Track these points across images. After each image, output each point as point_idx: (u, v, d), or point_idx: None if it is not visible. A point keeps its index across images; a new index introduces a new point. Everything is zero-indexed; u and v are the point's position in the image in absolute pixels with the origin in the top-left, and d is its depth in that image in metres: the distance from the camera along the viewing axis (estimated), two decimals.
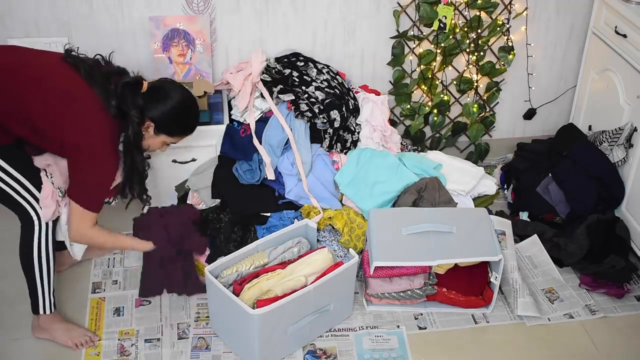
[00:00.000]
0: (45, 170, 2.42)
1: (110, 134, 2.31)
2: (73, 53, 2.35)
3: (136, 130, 2.35)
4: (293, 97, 2.89)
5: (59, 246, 2.81)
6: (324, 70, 3.02)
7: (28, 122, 2.26)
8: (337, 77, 3.04)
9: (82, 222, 2.38)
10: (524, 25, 3.30)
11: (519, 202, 3.19)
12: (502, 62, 3.32)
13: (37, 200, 2.37)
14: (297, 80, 2.94)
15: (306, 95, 2.88)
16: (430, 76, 3.31)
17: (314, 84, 2.93)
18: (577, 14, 3.35)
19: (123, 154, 2.40)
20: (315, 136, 2.98)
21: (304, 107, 2.86)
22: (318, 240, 2.83)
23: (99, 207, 2.41)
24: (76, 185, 2.34)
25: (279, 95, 2.88)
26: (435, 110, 3.37)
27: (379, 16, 3.20)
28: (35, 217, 2.39)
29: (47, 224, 2.41)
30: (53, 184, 2.41)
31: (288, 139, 2.89)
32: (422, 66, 3.27)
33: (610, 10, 3.05)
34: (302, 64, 3.03)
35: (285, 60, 3.07)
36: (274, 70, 3.00)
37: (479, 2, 3.15)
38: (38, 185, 2.38)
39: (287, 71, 2.99)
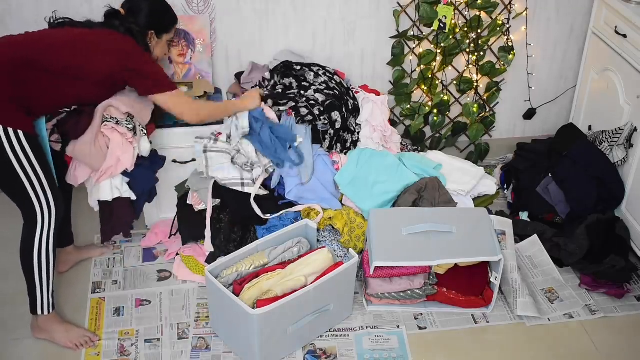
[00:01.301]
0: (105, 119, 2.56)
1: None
2: (60, 20, 2.59)
3: (143, 43, 2.58)
4: (293, 104, 2.89)
5: (62, 243, 2.82)
6: (320, 72, 3.01)
7: (72, 77, 2.40)
8: (335, 77, 3.04)
9: (184, 102, 2.59)
10: (524, 25, 3.30)
11: (519, 202, 3.19)
12: (502, 62, 3.32)
13: (47, 198, 2.37)
14: (295, 89, 2.94)
15: (304, 99, 2.88)
16: (430, 76, 3.31)
17: (312, 87, 2.93)
18: (577, 14, 3.35)
19: None
20: (315, 137, 2.99)
21: (304, 110, 2.85)
22: (318, 240, 2.83)
23: (174, 84, 2.60)
24: (148, 81, 2.51)
25: (279, 109, 2.88)
26: (435, 110, 3.38)
27: (379, 16, 3.21)
28: (39, 216, 2.39)
29: (50, 223, 2.41)
30: (118, 122, 2.56)
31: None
32: (422, 66, 3.27)
33: (610, 10, 3.05)
34: (299, 67, 3.03)
35: (282, 67, 3.05)
36: (269, 86, 2.99)
37: (479, 2, 3.15)
38: (52, 184, 2.39)
39: (287, 81, 2.98)
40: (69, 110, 2.59)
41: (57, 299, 2.65)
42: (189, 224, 2.91)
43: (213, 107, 2.75)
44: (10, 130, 2.27)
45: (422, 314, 2.75)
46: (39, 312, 2.51)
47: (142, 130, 2.65)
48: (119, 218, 2.73)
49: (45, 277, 2.46)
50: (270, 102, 2.90)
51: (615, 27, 2.99)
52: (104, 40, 2.48)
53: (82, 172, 2.65)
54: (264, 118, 2.81)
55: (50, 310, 2.52)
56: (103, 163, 2.58)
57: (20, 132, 2.28)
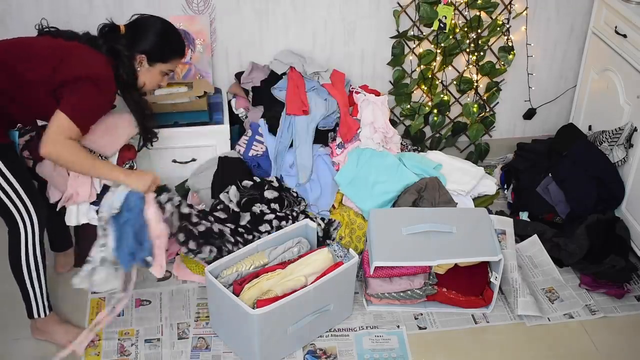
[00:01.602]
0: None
1: (107, 70, 2.32)
2: (46, 29, 2.43)
3: (128, 66, 2.37)
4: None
5: (62, 247, 2.80)
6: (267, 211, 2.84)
7: (25, 85, 2.24)
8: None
9: (62, 132, 2.21)
10: (524, 25, 3.30)
11: (519, 202, 3.19)
12: (502, 62, 3.32)
13: (25, 205, 2.32)
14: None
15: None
16: (430, 76, 3.31)
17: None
18: (577, 14, 3.35)
19: (122, 95, 2.43)
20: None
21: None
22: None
23: (86, 129, 2.29)
24: (70, 103, 2.23)
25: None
26: (435, 110, 3.38)
27: (379, 16, 3.21)
28: (21, 223, 2.34)
29: (33, 229, 2.36)
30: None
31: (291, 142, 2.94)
32: (422, 66, 3.27)
33: (610, 10, 3.05)
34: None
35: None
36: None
37: (479, 2, 3.15)
38: (30, 190, 2.35)
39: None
40: (35, 130, 2.47)
41: (56, 299, 2.65)
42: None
43: (84, 157, 2.28)
44: None
45: (422, 314, 2.75)
46: (35, 315, 2.51)
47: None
48: (89, 242, 2.46)
49: (37, 282, 2.44)
50: (165, 197, 2.49)
51: (615, 27, 2.99)
52: (81, 54, 2.31)
53: (53, 191, 2.56)
54: (139, 210, 2.37)
55: (47, 313, 2.52)
56: (66, 188, 2.48)
57: None
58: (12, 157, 2.34)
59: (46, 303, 2.50)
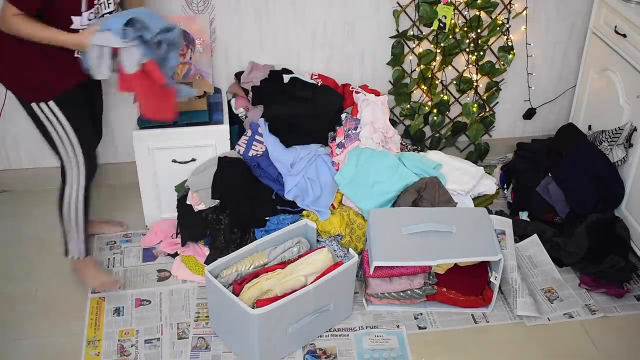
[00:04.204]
0: None
1: None
2: None
3: None
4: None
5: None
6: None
7: None
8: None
9: (7, 12, 2.23)
10: (523, 25, 3.30)
11: (519, 201, 3.19)
12: (502, 62, 3.32)
13: (75, 155, 2.49)
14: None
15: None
16: (430, 76, 3.31)
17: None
18: (577, 13, 3.35)
19: None
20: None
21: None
22: (318, 240, 2.83)
23: (28, 6, 2.23)
24: None
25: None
26: (435, 110, 3.38)
27: (378, 16, 3.20)
28: (69, 169, 2.52)
29: (79, 178, 2.54)
30: None
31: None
32: (421, 66, 3.27)
33: (610, 10, 3.05)
34: None
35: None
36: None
37: (479, 1, 3.15)
38: (84, 140, 2.50)
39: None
40: None
41: (55, 299, 2.68)
42: (188, 224, 2.90)
43: (39, 29, 2.26)
44: (41, 104, 2.37)
45: (422, 314, 2.75)
46: (69, 255, 2.68)
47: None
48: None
49: (75, 226, 2.61)
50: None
51: (615, 26, 2.99)
52: None
53: None
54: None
55: (82, 256, 2.70)
56: None
57: (50, 102, 2.37)
58: (72, 107, 2.45)
59: (82, 246, 2.67)
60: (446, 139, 3.50)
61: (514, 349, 2.63)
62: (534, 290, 2.84)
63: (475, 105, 3.38)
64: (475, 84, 3.36)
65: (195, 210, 2.89)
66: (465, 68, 3.32)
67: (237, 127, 3.14)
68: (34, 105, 2.40)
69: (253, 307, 2.39)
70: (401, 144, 3.17)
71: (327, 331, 2.65)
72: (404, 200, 2.89)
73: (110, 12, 2.41)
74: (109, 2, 2.40)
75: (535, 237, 3.00)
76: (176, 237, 2.98)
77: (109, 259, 2.97)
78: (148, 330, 2.65)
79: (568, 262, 2.93)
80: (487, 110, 3.47)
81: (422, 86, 3.32)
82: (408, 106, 3.38)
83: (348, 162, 2.95)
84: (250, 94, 3.08)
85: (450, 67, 3.33)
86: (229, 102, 3.17)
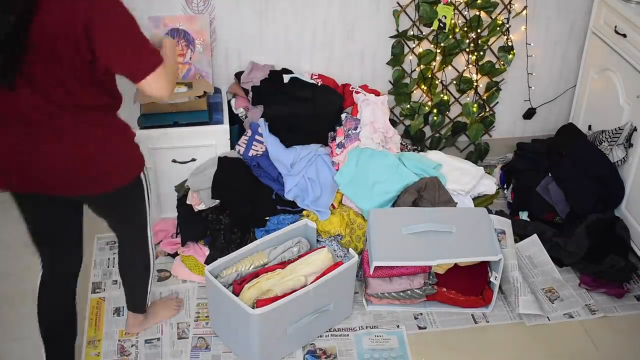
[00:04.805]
0: None
1: None
2: None
3: None
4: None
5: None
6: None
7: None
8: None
9: (161, 77, 1.95)
10: (523, 25, 3.30)
11: (519, 201, 3.19)
12: (502, 62, 3.32)
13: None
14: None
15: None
16: (430, 76, 3.31)
17: None
18: (577, 13, 3.35)
19: None
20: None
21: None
22: (318, 240, 2.83)
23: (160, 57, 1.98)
24: (135, 60, 1.91)
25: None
26: (435, 110, 3.38)
27: (378, 16, 3.20)
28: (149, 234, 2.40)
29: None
30: None
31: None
32: (421, 66, 3.27)
33: (610, 9, 3.05)
34: None
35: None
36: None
37: (479, 1, 3.15)
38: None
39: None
40: None
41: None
42: (188, 224, 2.90)
43: (171, 67, 2.07)
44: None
45: (422, 314, 2.75)
46: (148, 304, 2.59)
47: None
48: None
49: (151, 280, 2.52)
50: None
51: (615, 26, 2.99)
52: None
53: None
54: None
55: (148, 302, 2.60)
56: None
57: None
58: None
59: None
60: (446, 139, 3.50)
61: (514, 349, 2.63)
62: (534, 290, 2.84)
63: (475, 105, 3.38)
64: (475, 84, 3.36)
65: (195, 210, 2.89)
66: (465, 68, 3.32)
67: (237, 127, 3.14)
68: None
69: (253, 307, 2.39)
70: (401, 144, 3.17)
71: (327, 331, 2.66)
72: (404, 200, 2.89)
73: None
74: None
75: (535, 237, 3.00)
76: (176, 237, 2.98)
77: (109, 259, 2.97)
78: (148, 330, 2.65)
79: (568, 262, 2.94)
80: (487, 110, 3.47)
81: (422, 86, 3.32)
82: (408, 106, 3.38)
83: (348, 162, 2.95)
84: (250, 94, 3.08)
85: (450, 67, 3.33)
86: (229, 102, 3.17)
